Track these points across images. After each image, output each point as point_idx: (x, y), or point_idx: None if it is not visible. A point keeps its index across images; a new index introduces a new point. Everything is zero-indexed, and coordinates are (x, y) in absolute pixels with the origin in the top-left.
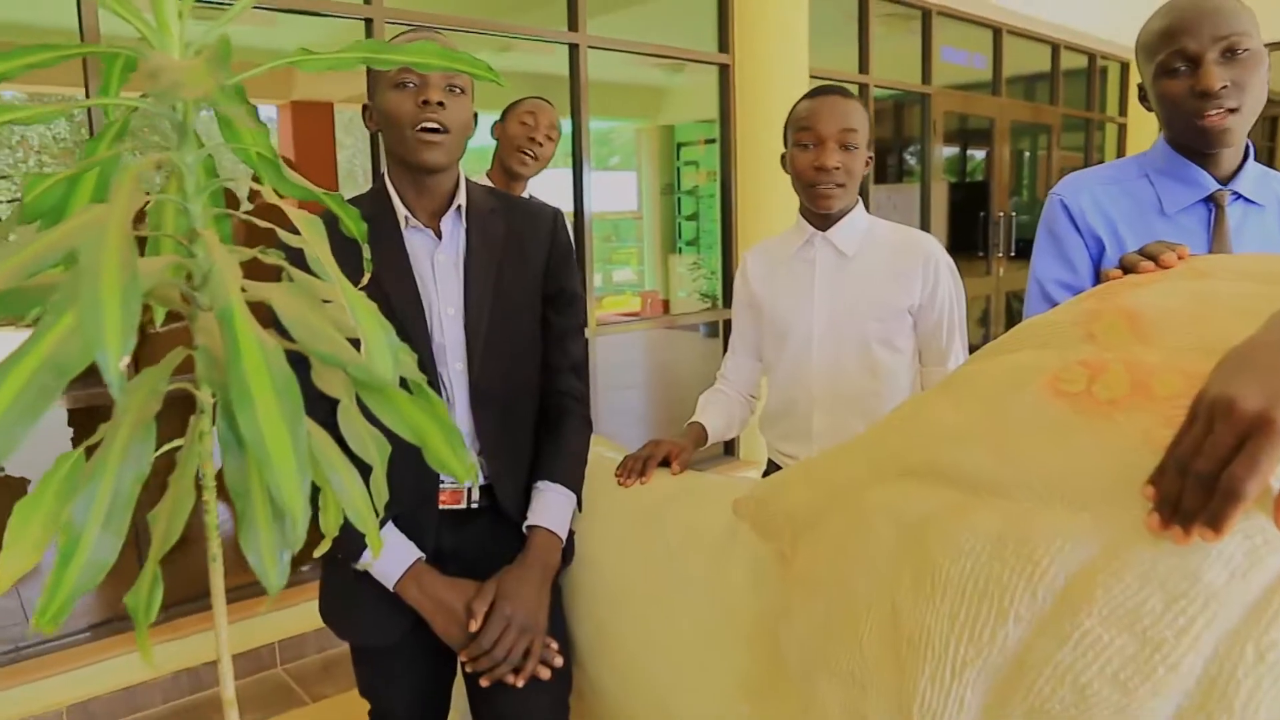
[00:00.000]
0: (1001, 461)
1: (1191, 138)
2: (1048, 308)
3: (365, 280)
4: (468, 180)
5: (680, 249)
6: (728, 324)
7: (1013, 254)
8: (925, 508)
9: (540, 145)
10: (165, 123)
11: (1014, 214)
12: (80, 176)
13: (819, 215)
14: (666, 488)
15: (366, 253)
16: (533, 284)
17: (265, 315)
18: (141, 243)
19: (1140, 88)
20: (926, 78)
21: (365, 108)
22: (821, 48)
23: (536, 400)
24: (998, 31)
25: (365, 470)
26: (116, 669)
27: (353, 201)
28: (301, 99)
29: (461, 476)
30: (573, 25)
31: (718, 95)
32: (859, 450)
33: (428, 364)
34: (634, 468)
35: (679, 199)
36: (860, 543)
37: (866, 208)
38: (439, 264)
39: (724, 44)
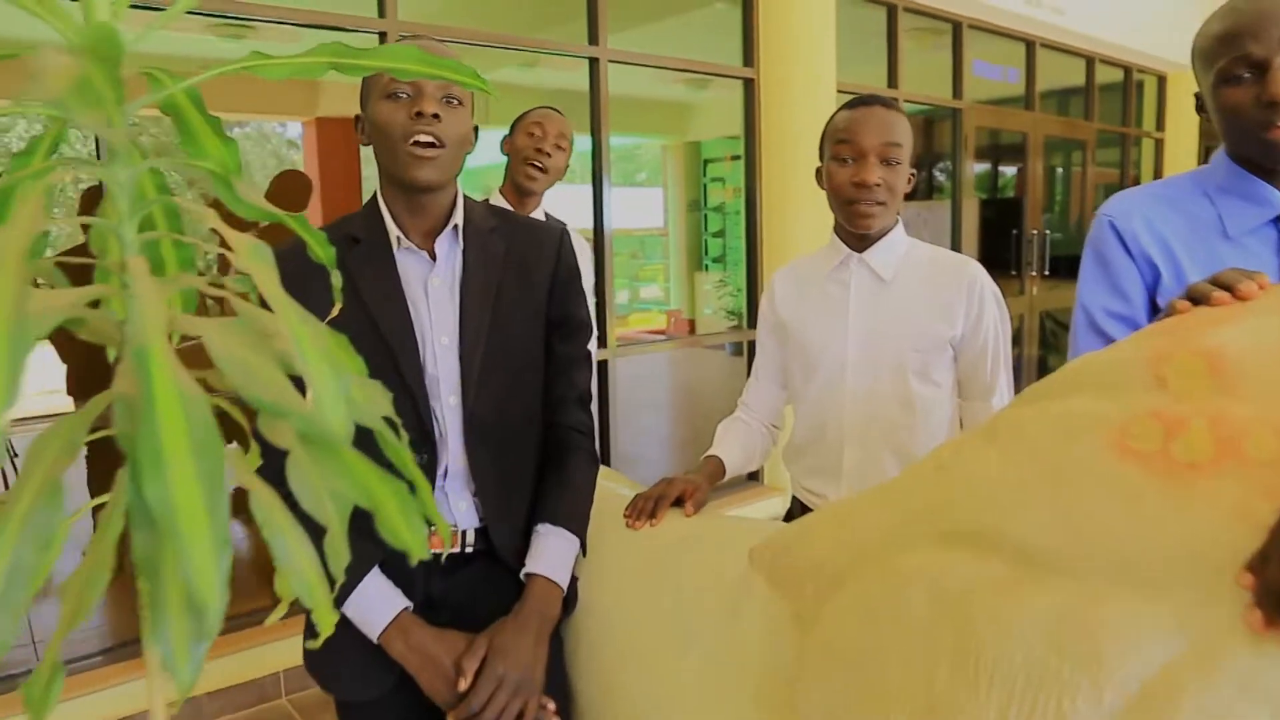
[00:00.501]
0: (1057, 530)
1: (1257, 151)
2: (1098, 341)
3: (335, 312)
4: (466, 198)
5: (706, 266)
6: (752, 344)
7: (1046, 273)
8: (968, 579)
9: (549, 156)
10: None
11: (1048, 231)
12: (10, 191)
13: (856, 235)
14: (679, 530)
15: (336, 280)
16: (535, 308)
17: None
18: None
19: (1197, 97)
20: (958, 92)
21: (357, 119)
22: (849, 62)
23: (537, 434)
24: (1031, 45)
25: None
26: (117, 698)
27: (342, 221)
28: (326, 115)
29: (415, 553)
30: (593, 39)
31: (742, 111)
32: (893, 501)
33: (419, 398)
34: (644, 508)
35: (705, 215)
36: (893, 613)
37: None
38: (433, 289)
39: (749, 58)
